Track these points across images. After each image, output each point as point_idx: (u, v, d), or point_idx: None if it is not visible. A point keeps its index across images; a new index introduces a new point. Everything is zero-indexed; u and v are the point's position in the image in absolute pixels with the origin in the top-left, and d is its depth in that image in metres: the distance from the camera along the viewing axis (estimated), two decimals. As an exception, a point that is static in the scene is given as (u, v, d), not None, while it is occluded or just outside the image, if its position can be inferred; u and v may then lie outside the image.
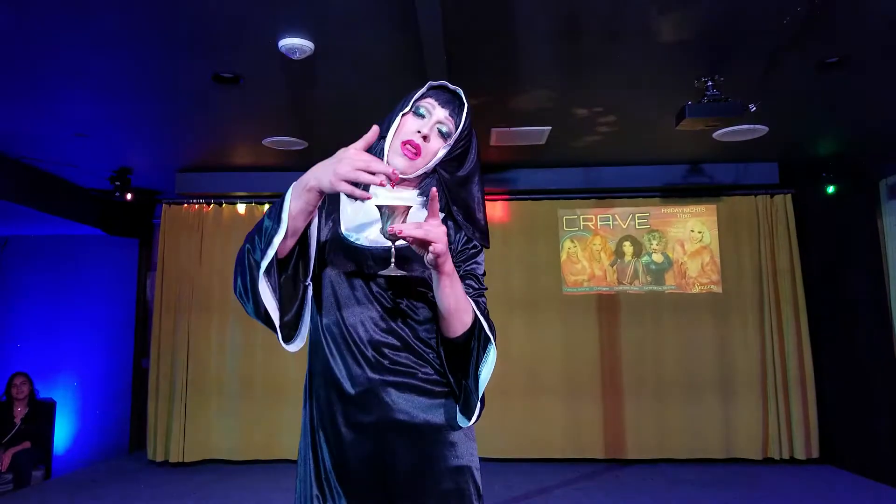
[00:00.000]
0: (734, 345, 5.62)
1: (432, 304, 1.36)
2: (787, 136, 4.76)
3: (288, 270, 1.33)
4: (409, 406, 1.33)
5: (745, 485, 4.85)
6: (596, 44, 3.26)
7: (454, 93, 1.44)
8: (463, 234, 1.41)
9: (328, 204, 1.44)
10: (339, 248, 1.39)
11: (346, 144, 1.24)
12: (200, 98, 3.91)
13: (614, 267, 5.83)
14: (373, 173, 1.17)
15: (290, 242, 1.30)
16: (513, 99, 4.00)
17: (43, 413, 5.93)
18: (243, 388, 5.71)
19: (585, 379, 5.65)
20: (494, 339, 1.33)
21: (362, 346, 1.33)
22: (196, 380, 5.69)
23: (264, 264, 1.25)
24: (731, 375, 5.57)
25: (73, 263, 6.89)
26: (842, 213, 5.38)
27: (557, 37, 3.20)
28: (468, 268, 1.40)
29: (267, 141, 4.74)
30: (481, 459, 1.45)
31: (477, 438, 1.43)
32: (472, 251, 1.42)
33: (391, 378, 1.33)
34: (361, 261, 1.37)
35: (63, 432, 6.56)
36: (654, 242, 5.83)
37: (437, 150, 1.39)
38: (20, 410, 5.71)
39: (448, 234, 1.36)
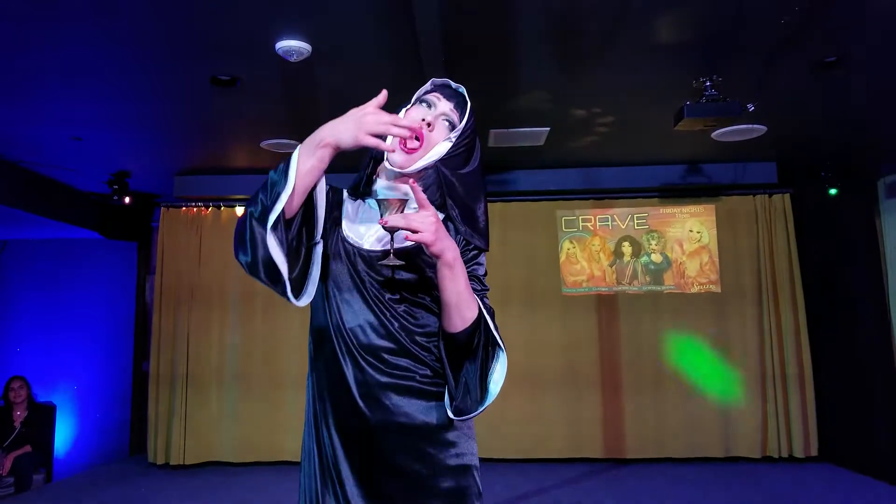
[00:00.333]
0: (733, 344, 5.63)
1: (431, 310, 1.37)
2: (786, 136, 4.76)
3: (292, 230, 1.31)
4: (409, 408, 1.33)
5: (745, 483, 4.86)
6: (594, 44, 3.27)
7: (457, 91, 1.45)
8: (461, 237, 1.41)
9: (330, 204, 1.44)
10: (340, 250, 1.39)
11: None
12: (198, 101, 3.91)
13: (613, 267, 5.84)
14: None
15: (297, 202, 1.28)
16: (511, 100, 4.00)
17: (43, 416, 5.92)
18: (244, 390, 5.71)
19: (585, 379, 5.66)
20: (502, 341, 1.34)
21: (362, 350, 1.34)
22: (196, 382, 5.69)
23: (272, 217, 1.23)
24: (730, 374, 5.57)
25: (72, 267, 6.88)
26: (840, 212, 5.38)
27: (555, 37, 3.20)
28: (468, 269, 1.39)
29: (265, 143, 4.74)
30: (482, 460, 1.45)
31: (477, 438, 1.44)
32: (472, 253, 1.42)
33: (390, 381, 1.33)
34: (362, 264, 1.37)
35: (63, 436, 6.56)
36: (653, 242, 5.83)
37: (440, 141, 1.39)
38: (19, 414, 5.71)
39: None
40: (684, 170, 5.54)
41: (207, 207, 5.92)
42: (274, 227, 1.24)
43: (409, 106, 1.43)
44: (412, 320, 1.36)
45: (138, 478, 5.33)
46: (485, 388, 1.33)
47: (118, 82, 3.61)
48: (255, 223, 1.26)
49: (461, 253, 1.39)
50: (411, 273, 1.35)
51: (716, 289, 5.72)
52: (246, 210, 1.29)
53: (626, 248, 5.85)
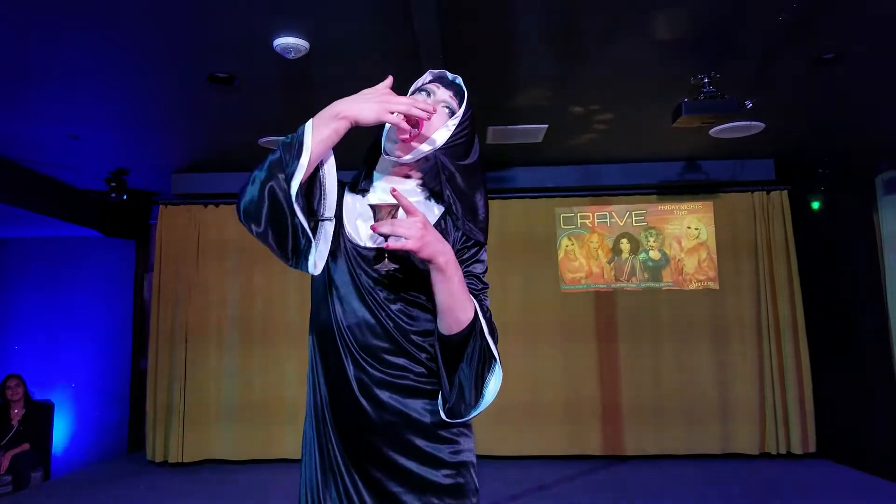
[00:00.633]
0: (731, 341, 5.63)
1: (427, 309, 1.37)
2: (784, 133, 4.76)
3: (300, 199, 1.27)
4: (407, 406, 1.34)
5: (743, 480, 4.87)
6: (592, 41, 3.27)
7: (454, 82, 1.46)
8: (461, 232, 1.40)
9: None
10: (341, 247, 1.39)
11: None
12: (195, 98, 3.91)
13: (612, 264, 5.84)
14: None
15: (307, 172, 1.25)
16: (510, 97, 4.00)
17: (41, 414, 5.93)
18: (242, 389, 5.71)
19: (583, 377, 5.66)
20: (498, 353, 1.33)
21: (360, 349, 1.35)
22: (194, 380, 5.69)
23: (294, 185, 1.20)
24: (729, 371, 5.59)
25: (70, 265, 6.88)
26: (838, 208, 5.39)
27: (554, 34, 3.20)
28: (468, 267, 1.39)
29: (262, 141, 4.74)
30: (480, 457, 1.45)
31: (476, 436, 1.44)
32: (472, 250, 1.41)
33: (388, 379, 1.34)
34: (359, 262, 1.37)
35: (61, 434, 6.56)
36: (652, 239, 5.84)
37: (439, 127, 1.38)
38: (17, 412, 5.71)
39: (446, 232, 1.37)
40: (682, 167, 5.55)
41: (205, 205, 5.91)
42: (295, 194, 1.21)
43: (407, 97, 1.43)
44: (407, 320, 1.36)
45: (136, 476, 5.32)
46: (479, 392, 1.32)
47: (116, 80, 3.60)
48: (274, 186, 1.21)
49: (461, 250, 1.39)
50: (406, 272, 1.35)
51: (714, 285, 5.73)
52: (255, 175, 1.25)
53: (625, 245, 5.85)
